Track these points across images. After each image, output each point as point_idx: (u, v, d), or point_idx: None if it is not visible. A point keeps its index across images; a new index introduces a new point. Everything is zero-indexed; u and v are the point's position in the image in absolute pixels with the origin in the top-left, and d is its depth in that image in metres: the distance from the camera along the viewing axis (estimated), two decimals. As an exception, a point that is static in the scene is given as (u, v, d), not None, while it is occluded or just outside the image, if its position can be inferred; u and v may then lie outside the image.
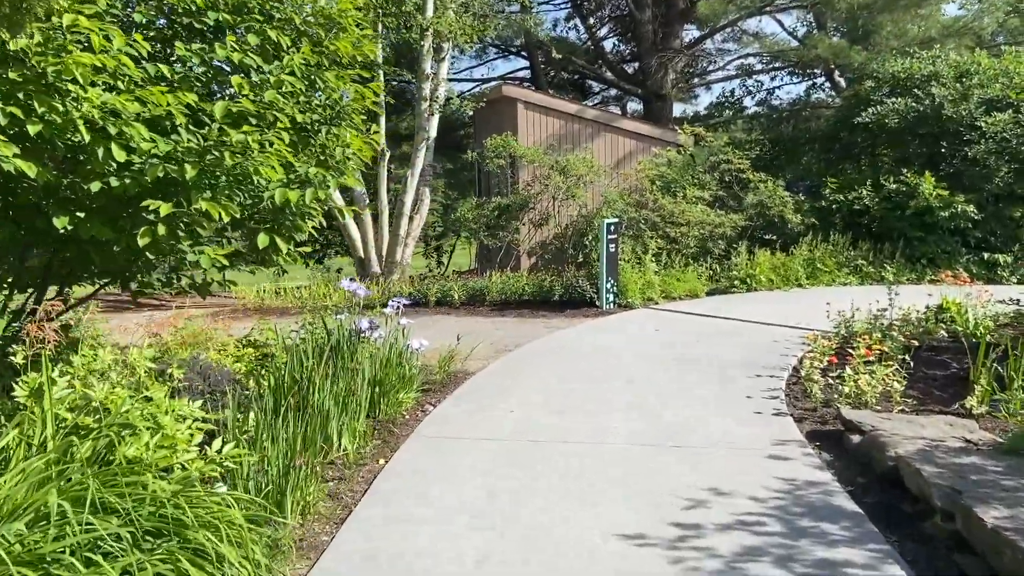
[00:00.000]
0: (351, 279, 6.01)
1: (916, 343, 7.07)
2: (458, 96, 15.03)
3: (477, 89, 20.61)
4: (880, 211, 12.86)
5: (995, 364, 5.54)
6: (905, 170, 12.87)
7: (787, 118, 28.22)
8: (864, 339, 6.39)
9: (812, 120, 29.45)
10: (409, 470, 4.33)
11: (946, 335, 8.30)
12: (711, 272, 12.22)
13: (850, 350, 6.39)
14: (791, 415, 5.44)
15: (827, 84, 29.03)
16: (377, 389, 5.14)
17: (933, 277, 12.46)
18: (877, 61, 16.04)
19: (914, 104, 13.53)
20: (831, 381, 5.95)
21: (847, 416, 4.90)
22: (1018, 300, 9.77)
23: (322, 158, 4.24)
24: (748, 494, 3.92)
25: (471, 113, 15.14)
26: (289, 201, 3.82)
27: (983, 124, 12.74)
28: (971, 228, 12.65)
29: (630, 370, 6.78)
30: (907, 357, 6.55)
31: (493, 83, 19.52)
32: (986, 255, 12.73)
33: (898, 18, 18.53)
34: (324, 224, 16.28)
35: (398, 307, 5.92)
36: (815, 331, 8.36)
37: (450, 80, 25.81)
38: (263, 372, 5.07)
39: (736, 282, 11.54)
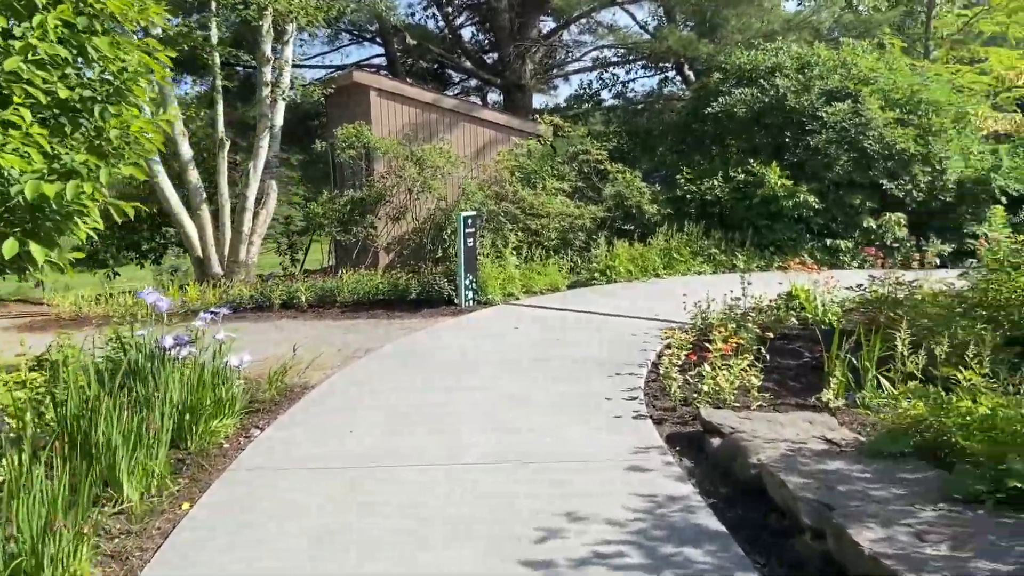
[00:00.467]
0: (153, 289, 5.20)
1: (770, 333, 7.03)
2: (304, 84, 14.08)
3: (332, 76, 19.61)
4: (730, 201, 13.12)
5: (848, 355, 5.49)
6: (752, 160, 13.18)
7: (642, 110, 28.78)
8: (720, 331, 6.25)
9: (666, 112, 30.24)
10: (218, 516, 3.66)
11: (797, 323, 8.41)
12: (572, 264, 12.03)
13: (707, 344, 6.24)
14: (651, 417, 5.17)
15: (678, 77, 29.87)
16: (188, 417, 4.40)
17: (781, 264, 12.84)
18: (724, 53, 16.45)
19: (759, 95, 13.90)
20: (690, 379, 5.74)
21: (706, 417, 4.66)
22: (861, 285, 10.13)
23: (96, 143, 3.48)
24: (607, 517, 3.55)
25: (324, 101, 14.25)
26: (47, 197, 3.07)
27: (824, 114, 13.25)
28: (814, 216, 13.13)
29: (487, 375, 6.33)
30: (763, 349, 6.48)
31: (346, 70, 18.60)
32: (828, 241, 13.26)
33: (742, 12, 19.12)
34: (157, 220, 14.92)
35: (211, 318, 5.16)
36: (673, 323, 8.26)
37: (300, 66, 24.54)
38: (45, 404, 4.23)
39: (596, 274, 11.39)
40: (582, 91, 28.25)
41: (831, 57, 14.39)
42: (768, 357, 6.51)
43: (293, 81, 13.59)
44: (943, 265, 13.62)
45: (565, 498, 3.80)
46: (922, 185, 13.39)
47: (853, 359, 5.56)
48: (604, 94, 29.19)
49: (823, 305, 8.52)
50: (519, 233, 11.94)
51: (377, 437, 4.82)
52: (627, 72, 29.06)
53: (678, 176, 13.79)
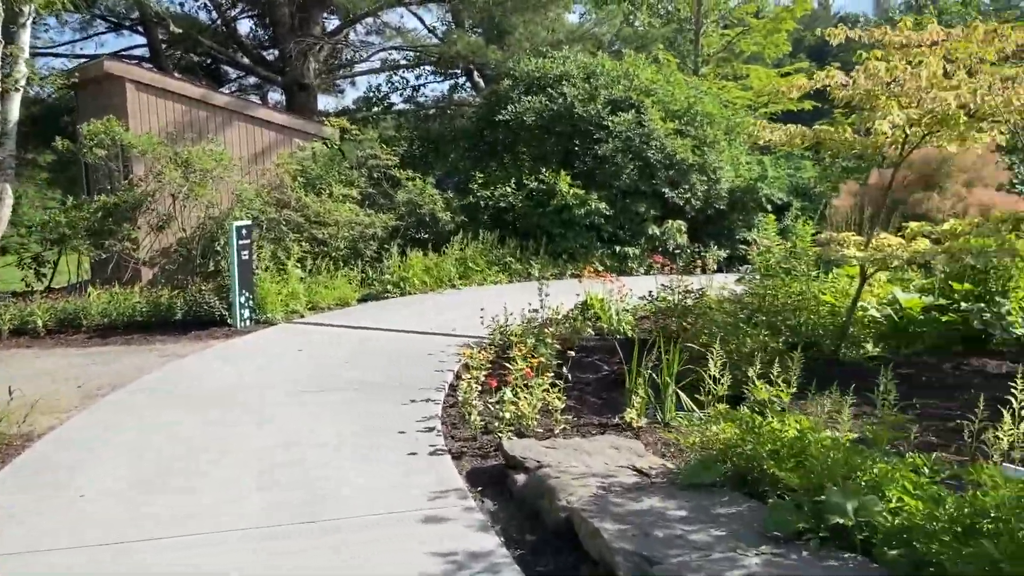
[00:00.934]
0: None
1: (570, 348, 6.86)
2: (43, 75, 12.22)
3: (81, 66, 17.31)
4: (524, 208, 13.08)
5: (648, 369, 5.34)
6: (544, 169, 13.24)
7: (434, 116, 28.60)
8: (520, 349, 5.93)
9: (457, 118, 30.25)
10: None
11: (594, 333, 8.36)
12: (363, 276, 11.34)
13: (508, 362, 5.91)
14: (450, 451, 4.70)
15: (468, 83, 30.03)
16: None
17: (574, 271, 12.98)
18: (513, 60, 16.52)
19: (548, 103, 14.02)
20: (490, 404, 5.33)
21: (509, 450, 4.26)
22: (651, 292, 10.38)
23: None
24: (400, 591, 3.00)
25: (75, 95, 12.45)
26: None
27: (610, 124, 13.60)
28: (604, 223, 13.43)
29: (264, 409, 5.54)
30: (564, 367, 6.25)
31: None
32: (618, 248, 13.63)
33: (529, 19, 19.43)
34: None
35: None
36: (471, 340, 7.88)
37: (45, 54, 21.65)
38: None
39: (390, 286, 10.80)
40: (371, 94, 27.54)
41: (615, 67, 14.88)
42: (569, 375, 6.29)
43: (31, 70, 11.74)
44: (719, 270, 14.50)
45: (351, 568, 3.20)
46: (699, 193, 14.17)
47: (653, 374, 5.43)
48: (394, 98, 28.61)
49: (617, 314, 8.55)
50: (304, 243, 11.05)
51: (118, 505, 3.92)
52: (417, 77, 28.75)
53: (471, 183, 13.54)
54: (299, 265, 10.44)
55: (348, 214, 11.87)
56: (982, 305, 8.35)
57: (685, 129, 13.97)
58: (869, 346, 7.21)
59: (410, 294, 10.85)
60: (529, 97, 14.28)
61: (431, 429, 5.09)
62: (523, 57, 15.99)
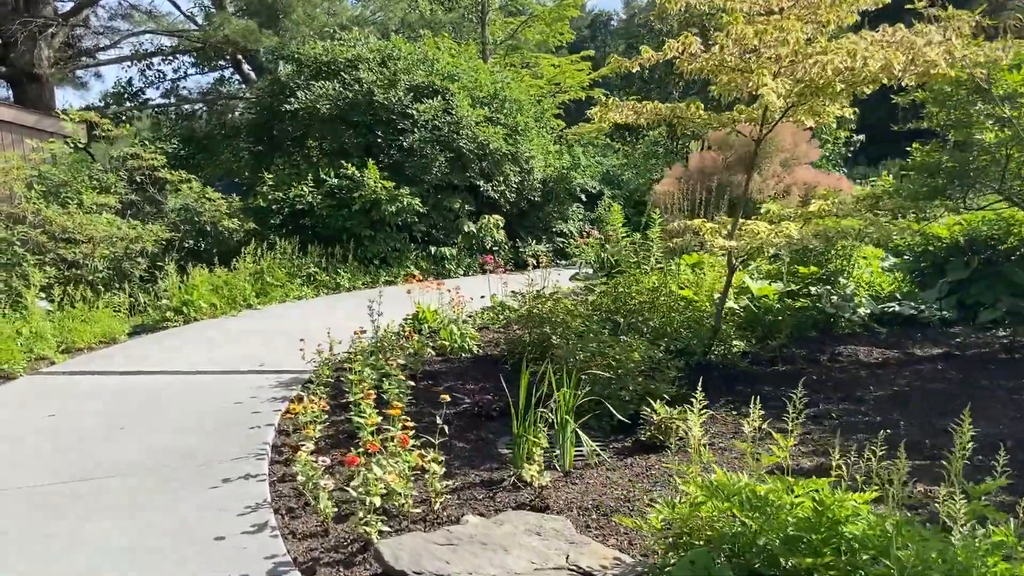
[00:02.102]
0: None
1: (411, 376, 5.67)
2: None
3: None
4: (325, 209, 11.56)
5: (535, 404, 4.28)
6: (345, 162, 11.78)
7: (200, 112, 25.94)
8: (364, 390, 4.64)
9: (228, 112, 27.65)
10: None
11: (434, 354, 7.18)
12: (133, 303, 9.29)
13: (347, 404, 4.62)
14: (295, 561, 3.34)
15: (236, 75, 27.51)
16: None
17: (388, 278, 11.72)
18: (296, 43, 14.79)
19: (343, 90, 12.56)
20: (343, 485, 4.00)
21: (392, 562, 3.01)
22: (483, 297, 9.37)
23: None
24: None
25: None
26: None
27: (414, 112, 12.42)
28: (417, 222, 12.25)
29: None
30: (436, 417, 5.05)
31: None
32: (433, 249, 12.52)
33: (306, 1, 17.69)
34: None
35: None
36: (287, 375, 6.41)
37: None
38: None
39: (169, 313, 8.87)
40: (121, 88, 24.26)
41: (412, 51, 13.70)
42: (418, 409, 5.11)
43: None
44: (537, 266, 13.84)
45: None
46: (513, 185, 13.41)
47: (545, 410, 4.38)
48: (150, 93, 25.48)
49: (458, 329, 7.43)
50: (49, 267, 8.82)
51: None
52: (176, 70, 25.87)
53: (260, 185, 11.77)
54: (45, 296, 8.27)
55: (107, 228, 9.73)
56: (829, 288, 8.24)
57: (495, 117, 13.12)
58: (739, 343, 6.66)
59: (197, 320, 9.00)
60: (319, 83, 12.71)
61: (261, 526, 3.67)
62: (309, 41, 14.32)
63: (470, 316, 8.70)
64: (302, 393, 5.72)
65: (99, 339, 8.03)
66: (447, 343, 7.17)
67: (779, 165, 10.56)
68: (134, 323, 8.88)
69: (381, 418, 4.26)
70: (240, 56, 24.07)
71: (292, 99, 12.62)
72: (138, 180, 11.09)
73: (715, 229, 6.82)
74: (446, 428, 4.28)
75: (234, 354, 7.26)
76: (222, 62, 25.89)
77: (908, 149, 7.71)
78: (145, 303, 9.23)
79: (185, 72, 25.67)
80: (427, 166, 12.20)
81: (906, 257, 9.40)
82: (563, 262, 14.11)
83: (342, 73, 12.82)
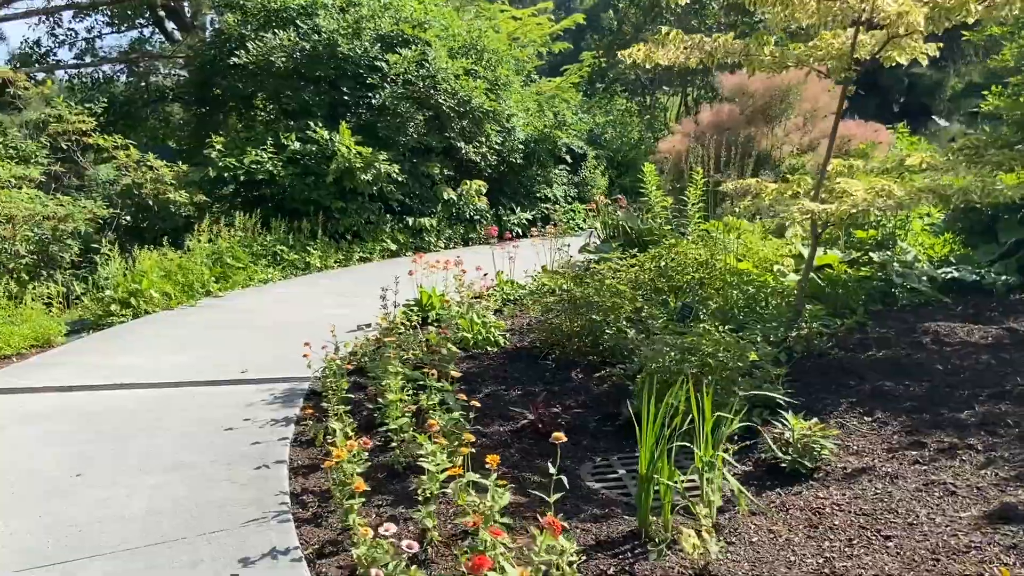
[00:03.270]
0: None
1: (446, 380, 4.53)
2: None
3: None
4: (288, 178, 10.14)
5: (665, 425, 3.18)
6: (312, 124, 10.35)
7: (118, 74, 23.92)
8: (404, 409, 3.49)
9: (151, 74, 25.60)
10: None
11: (455, 348, 5.98)
12: (67, 294, 7.83)
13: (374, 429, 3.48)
14: None
15: (157, 35, 25.37)
16: None
17: (363, 254, 10.43)
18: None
19: (300, 40, 11.06)
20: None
21: None
22: (486, 275, 8.20)
23: None
24: None
25: None
26: None
27: (384, 64, 11.02)
28: (394, 191, 10.93)
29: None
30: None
31: None
32: (410, 220, 11.24)
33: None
34: None
35: None
36: (281, 385, 5.19)
37: None
38: None
39: (115, 306, 7.44)
40: (29, 49, 22.04)
41: (375, -5, 12.24)
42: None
43: None
44: (522, 235, 12.72)
45: None
46: (495, 147, 12.18)
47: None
48: (62, 54, 23.33)
49: (478, 318, 6.24)
50: (-41, 256, 7.30)
51: None
52: (89, 29, 23.67)
53: (206, 150, 10.25)
54: (-46, 292, 6.80)
55: (29, 205, 8.19)
56: (888, 254, 7.34)
57: (473, 69, 11.80)
58: (816, 325, 5.66)
59: (149, 313, 7.59)
60: (269, 34, 11.18)
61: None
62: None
63: (476, 298, 7.55)
64: (308, 411, 4.51)
65: (30, 342, 6.59)
66: (468, 335, 5.99)
67: (801, 116, 9.62)
68: (70, 319, 7.45)
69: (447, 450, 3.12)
70: (162, 12, 22.08)
71: (240, 52, 11.07)
72: (64, 147, 9.49)
73: (791, 190, 5.80)
74: (513, 453, 3.13)
75: (205, 358, 5.94)
76: (141, 20, 23.78)
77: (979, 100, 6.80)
78: (84, 294, 7.77)
79: (100, 32, 23.45)
80: (402, 126, 10.86)
81: (948, 216, 8.60)
82: (553, 230, 12.96)
83: (296, 22, 11.31)
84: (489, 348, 5.97)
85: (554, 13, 22.98)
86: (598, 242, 9.43)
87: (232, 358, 5.92)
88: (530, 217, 12.77)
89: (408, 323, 6.32)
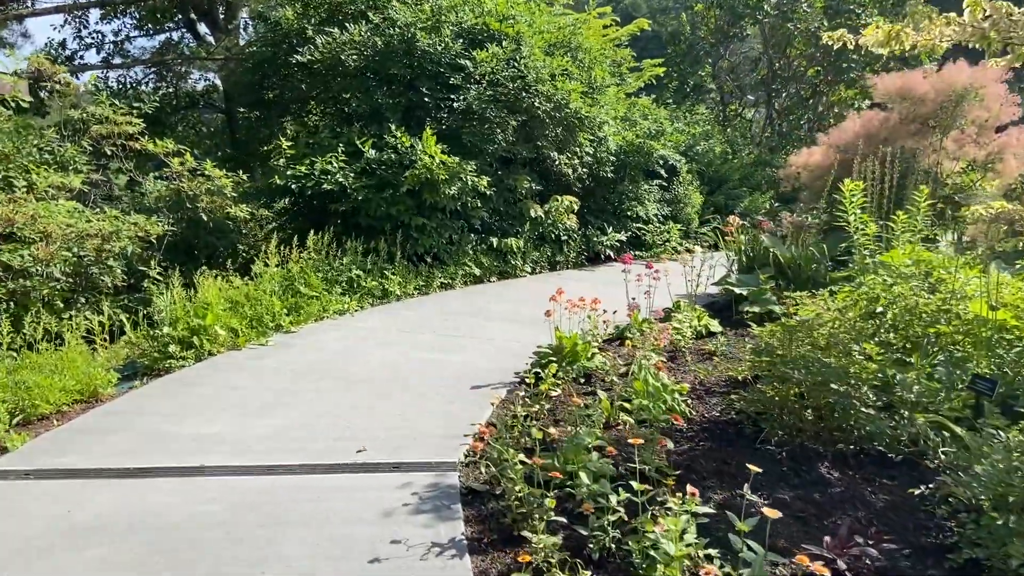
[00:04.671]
0: None
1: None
2: None
3: None
4: (362, 191, 8.81)
5: None
6: (393, 128, 9.03)
7: (150, 77, 23.06)
8: None
9: (183, 79, 24.72)
10: None
11: (635, 423, 4.58)
12: (111, 330, 6.52)
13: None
14: None
15: (189, 36, 24.37)
16: None
17: (444, 279, 9.10)
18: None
19: (373, 35, 9.77)
20: None
21: None
22: (615, 313, 6.81)
23: None
24: None
25: None
26: None
27: (468, 63, 9.70)
28: (479, 207, 9.58)
29: None
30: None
31: None
32: (495, 241, 9.87)
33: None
34: None
35: None
36: (426, 474, 3.81)
37: None
38: None
39: (174, 346, 6.10)
40: (54, 51, 21.12)
41: (456, -17, 10.92)
42: None
43: None
44: (613, 258, 11.34)
45: None
46: (588, 158, 10.82)
47: None
48: (89, 57, 22.46)
49: (653, 378, 4.83)
50: (-15, 281, 6.02)
51: None
52: (116, 32, 22.77)
53: (272, 159, 8.96)
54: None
55: (68, 220, 6.92)
56: None
57: (566, 70, 10.44)
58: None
59: (213, 355, 6.26)
60: (336, 29, 9.88)
61: None
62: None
63: (629, 345, 6.18)
64: (482, 532, 3.15)
65: (73, 396, 5.26)
66: (648, 404, 4.58)
67: (975, 126, 8.17)
68: (119, 361, 6.12)
69: None
70: (194, 14, 21.08)
71: (304, 49, 9.79)
72: (108, 153, 8.23)
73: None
74: None
75: (300, 424, 4.60)
76: (170, 24, 22.82)
77: None
78: (136, 331, 6.45)
79: (128, 35, 22.49)
80: (491, 133, 9.51)
81: None
82: (646, 254, 11.59)
83: (368, 14, 10.02)
84: (674, 421, 4.56)
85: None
86: (733, 272, 8.01)
87: (334, 425, 4.57)
88: (623, 238, 11.39)
89: (550, 377, 4.92)
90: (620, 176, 11.60)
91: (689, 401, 4.90)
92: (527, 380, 5.34)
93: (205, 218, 8.31)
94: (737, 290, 7.37)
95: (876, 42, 4.63)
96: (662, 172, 12.09)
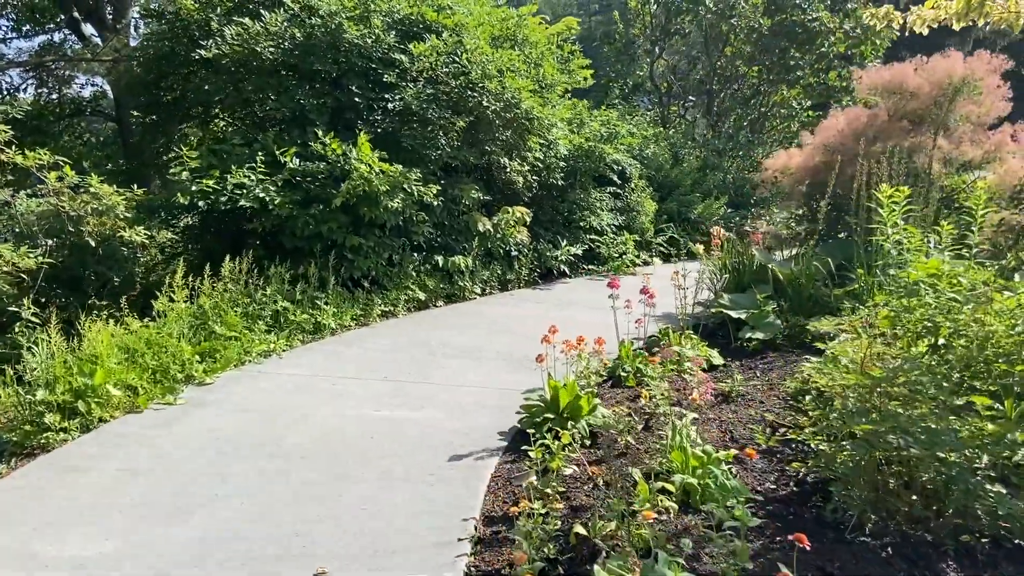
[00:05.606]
0: None
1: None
2: None
3: None
4: (286, 207, 7.53)
5: None
6: (321, 133, 7.80)
7: (29, 82, 21.21)
8: None
9: (67, 85, 22.89)
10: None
11: (677, 507, 3.56)
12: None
13: None
14: None
15: (73, 37, 22.45)
16: None
17: (385, 307, 7.96)
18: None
19: (290, 26, 8.51)
20: None
21: None
22: (610, 353, 5.84)
23: None
24: None
25: None
26: None
27: (404, 58, 8.55)
28: (423, 221, 8.44)
29: None
30: None
31: None
32: (440, 260, 8.74)
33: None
34: None
35: None
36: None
37: None
38: None
39: (51, 415, 4.74)
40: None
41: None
42: None
43: None
44: (567, 273, 10.39)
45: None
46: (539, 164, 9.82)
47: None
48: (-42, 61, 20.25)
49: (692, 446, 3.82)
50: None
51: None
52: (-6, 33, 20.64)
53: (175, 169, 7.59)
54: None
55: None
56: None
57: (514, 66, 9.39)
58: None
59: (106, 420, 4.93)
60: (247, 19, 8.58)
61: None
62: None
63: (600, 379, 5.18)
64: None
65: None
66: (693, 482, 3.57)
67: (967, 123, 7.55)
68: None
69: None
70: (78, 12, 19.26)
71: (210, 41, 8.45)
72: (-36, 167, 6.74)
73: None
74: None
75: (229, 532, 3.42)
76: (51, 24, 20.87)
77: None
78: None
79: (3, 36, 20.41)
80: (433, 137, 8.38)
81: None
82: (602, 269, 10.66)
83: (286, 1, 8.74)
84: (727, 504, 3.56)
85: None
86: (716, 289, 7.13)
87: (277, 533, 3.39)
88: (579, 252, 10.43)
89: (563, 455, 3.86)
90: (571, 183, 10.65)
91: (733, 469, 3.92)
92: (524, 446, 4.26)
93: (93, 243, 6.90)
94: (733, 313, 6.47)
95: (954, 13, 3.79)
96: (615, 178, 11.22)
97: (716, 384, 5.40)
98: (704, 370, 5.76)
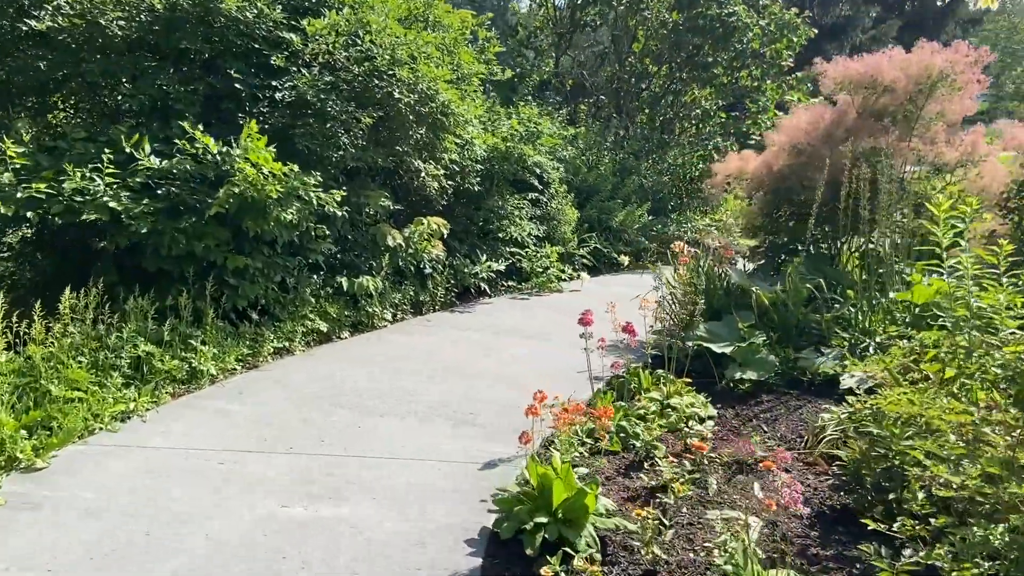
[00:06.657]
0: None
1: None
2: None
3: None
4: (146, 218, 5.95)
5: None
6: (188, 126, 6.25)
7: None
8: None
9: None
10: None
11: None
12: None
13: None
14: None
15: None
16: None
17: (279, 343, 6.57)
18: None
19: (150, -6, 6.92)
20: None
21: None
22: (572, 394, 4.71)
23: None
24: None
25: None
26: None
27: (295, 37, 7.13)
28: (324, 234, 7.04)
29: None
30: None
31: None
32: (344, 281, 7.35)
33: None
34: None
35: None
36: None
37: None
38: None
39: None
40: None
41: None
42: None
43: None
44: (487, 292, 9.22)
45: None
46: (454, 167, 8.59)
47: None
48: None
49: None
50: None
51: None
52: None
53: (-6, 170, 5.87)
54: None
55: None
56: None
57: (430, 52, 8.08)
58: None
59: None
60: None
61: None
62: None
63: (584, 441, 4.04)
64: None
65: None
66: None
67: (939, 121, 6.90)
68: None
69: None
70: None
71: (41, 12, 6.75)
72: None
73: None
74: None
75: None
76: None
77: None
78: None
79: None
80: (334, 135, 6.98)
81: None
82: (525, 285, 9.50)
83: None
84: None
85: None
86: (672, 314, 6.10)
87: None
88: (501, 268, 9.24)
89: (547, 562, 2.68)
90: (487, 189, 9.47)
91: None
92: (510, 570, 3.04)
93: None
94: (715, 347, 5.46)
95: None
96: (536, 183, 10.14)
97: (720, 442, 4.34)
98: (699, 420, 4.71)
